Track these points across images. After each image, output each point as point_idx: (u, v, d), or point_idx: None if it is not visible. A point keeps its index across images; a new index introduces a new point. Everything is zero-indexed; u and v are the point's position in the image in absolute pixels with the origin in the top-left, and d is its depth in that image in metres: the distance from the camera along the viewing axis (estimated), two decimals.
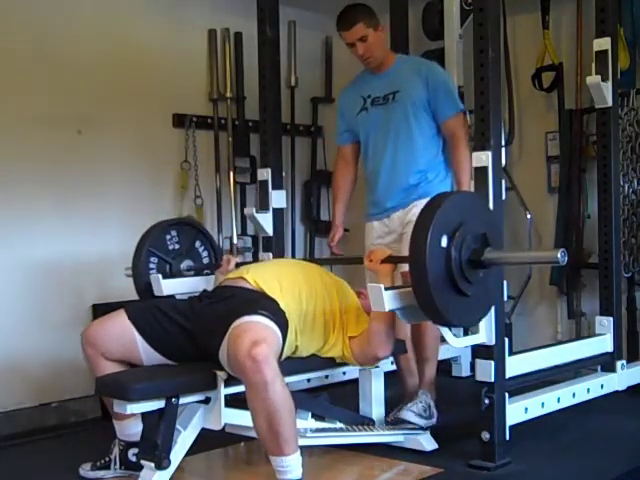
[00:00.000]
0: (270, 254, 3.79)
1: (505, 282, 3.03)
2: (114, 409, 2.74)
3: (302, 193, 5.13)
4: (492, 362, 2.95)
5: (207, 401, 2.79)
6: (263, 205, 3.79)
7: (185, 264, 3.57)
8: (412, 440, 3.22)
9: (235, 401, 2.82)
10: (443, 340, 3.01)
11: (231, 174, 4.65)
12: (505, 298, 3.07)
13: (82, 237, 4.04)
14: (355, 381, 3.34)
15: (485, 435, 2.96)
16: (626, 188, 4.13)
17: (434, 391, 3.44)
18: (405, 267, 3.14)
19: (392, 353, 3.15)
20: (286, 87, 4.87)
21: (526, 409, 3.13)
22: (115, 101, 4.19)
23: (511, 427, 3.02)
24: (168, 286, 3.40)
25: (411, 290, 2.71)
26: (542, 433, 3.35)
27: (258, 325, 2.70)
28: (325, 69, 5.23)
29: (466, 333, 3.84)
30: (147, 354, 2.91)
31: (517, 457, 3.02)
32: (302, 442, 2.70)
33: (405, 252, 2.97)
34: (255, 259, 4.20)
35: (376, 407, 3.25)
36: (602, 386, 3.54)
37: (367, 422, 3.20)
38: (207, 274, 3.58)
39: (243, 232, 4.69)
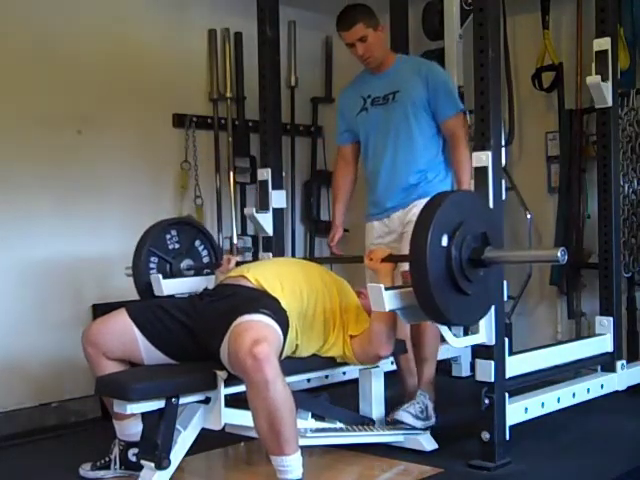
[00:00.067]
0: (270, 254, 3.79)
1: (505, 282, 3.04)
2: (114, 409, 2.74)
3: (302, 193, 5.13)
4: (492, 362, 2.95)
5: (207, 401, 2.79)
6: (263, 205, 3.79)
7: (185, 263, 3.57)
8: (412, 440, 3.22)
9: (235, 401, 2.82)
10: (443, 340, 3.01)
11: (231, 174, 4.66)
12: (505, 298, 3.07)
13: (82, 237, 4.04)
14: (355, 381, 3.34)
15: (485, 435, 2.96)
16: (626, 188, 4.13)
17: (433, 392, 3.43)
18: (405, 267, 3.15)
19: (392, 353, 3.15)
20: (286, 87, 4.87)
21: (526, 409, 3.13)
22: (115, 101, 4.19)
23: (511, 427, 3.02)
24: (168, 286, 3.40)
25: (411, 290, 2.71)
26: (542, 433, 3.35)
27: (259, 324, 2.70)
28: (325, 69, 5.23)
29: (466, 333, 3.84)
30: (148, 352, 2.91)
31: (517, 457, 3.03)
32: (302, 442, 2.70)
33: (405, 251, 2.97)
34: (255, 259, 4.20)
35: (376, 407, 3.25)
36: (602, 386, 3.54)
37: (367, 422, 3.21)
38: (207, 273, 3.58)
39: (243, 232, 4.69)
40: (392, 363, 3.54)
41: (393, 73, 3.54)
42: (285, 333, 2.81)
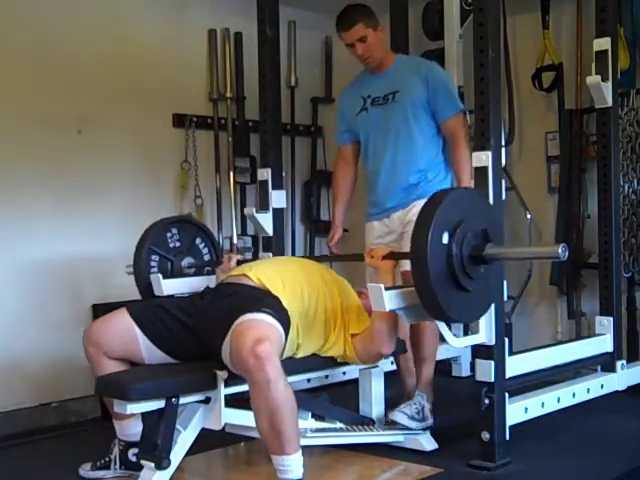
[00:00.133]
0: (270, 254, 3.79)
1: (505, 282, 3.04)
2: (114, 409, 2.74)
3: (302, 193, 5.13)
4: (492, 362, 2.95)
5: (207, 401, 2.79)
6: (263, 205, 3.79)
7: (186, 261, 3.58)
8: (412, 440, 3.22)
9: (235, 401, 2.82)
10: (443, 340, 3.01)
11: (231, 174, 4.66)
12: (505, 298, 3.07)
13: (82, 237, 4.04)
14: (355, 381, 3.34)
15: (485, 435, 2.96)
16: (626, 188, 4.13)
17: (432, 392, 3.42)
18: (405, 267, 3.16)
19: (393, 353, 3.15)
20: (286, 87, 4.87)
21: (526, 409, 3.13)
22: (115, 101, 4.19)
23: (511, 427, 3.02)
24: (168, 286, 3.40)
25: (411, 290, 2.71)
26: (542, 433, 3.35)
27: (261, 323, 2.70)
28: (325, 69, 5.23)
29: (466, 333, 3.85)
30: (149, 352, 2.91)
31: (517, 457, 3.03)
32: (302, 442, 2.69)
33: (406, 251, 2.98)
34: (255, 259, 4.19)
35: (376, 407, 3.25)
36: (602, 386, 3.54)
37: (367, 422, 3.21)
38: (208, 273, 3.59)
39: (243, 232, 4.69)
40: (392, 363, 3.54)
41: (393, 73, 3.54)
42: (287, 332, 2.81)
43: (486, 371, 2.96)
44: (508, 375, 3.03)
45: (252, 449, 3.32)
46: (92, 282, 4.08)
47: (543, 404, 3.21)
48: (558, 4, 4.53)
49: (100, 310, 3.83)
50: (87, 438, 3.63)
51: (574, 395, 3.37)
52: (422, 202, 2.86)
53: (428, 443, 3.20)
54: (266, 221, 3.79)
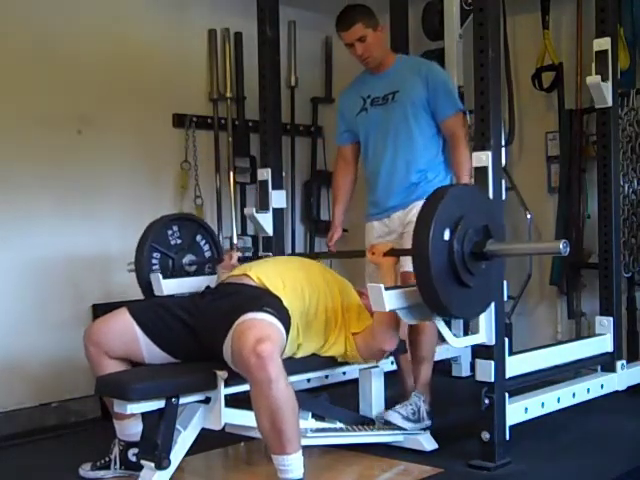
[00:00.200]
0: (270, 254, 3.79)
1: (505, 282, 3.04)
2: (114, 409, 2.74)
3: (302, 193, 5.13)
4: (492, 362, 2.95)
5: (207, 401, 2.79)
6: (263, 205, 3.79)
7: (187, 258, 3.59)
8: (412, 440, 3.22)
9: (235, 401, 2.82)
10: (443, 340, 3.01)
11: (231, 174, 4.66)
12: (505, 298, 3.07)
13: (82, 237, 4.04)
14: (355, 381, 3.34)
15: (485, 435, 2.96)
16: (626, 188, 4.13)
17: (429, 394, 3.41)
18: (405, 267, 3.15)
19: (393, 353, 3.15)
20: (286, 87, 4.87)
21: (526, 409, 3.13)
22: (115, 101, 4.19)
23: (511, 427, 3.02)
24: (168, 286, 3.40)
25: (411, 290, 2.71)
26: (542, 433, 3.35)
27: (263, 322, 2.70)
28: (325, 69, 5.23)
29: (466, 333, 3.85)
30: (149, 351, 2.91)
31: (517, 457, 3.03)
32: (302, 442, 2.69)
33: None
34: (255, 259, 4.19)
35: (376, 407, 3.25)
36: (602, 386, 3.54)
37: (367, 422, 3.21)
38: (209, 273, 3.59)
39: (243, 232, 4.69)
40: (392, 363, 3.54)
41: (393, 73, 3.54)
42: (287, 332, 2.81)
43: (486, 371, 2.96)
44: (508, 375, 3.03)
45: (252, 449, 3.32)
46: (92, 282, 4.08)
47: (543, 404, 3.21)
48: (558, 4, 4.53)
49: (100, 310, 3.83)
50: (87, 438, 3.63)
51: (574, 395, 3.37)
52: (422, 203, 2.87)
53: (428, 443, 3.20)
54: (266, 221, 3.79)
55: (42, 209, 3.93)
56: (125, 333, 2.90)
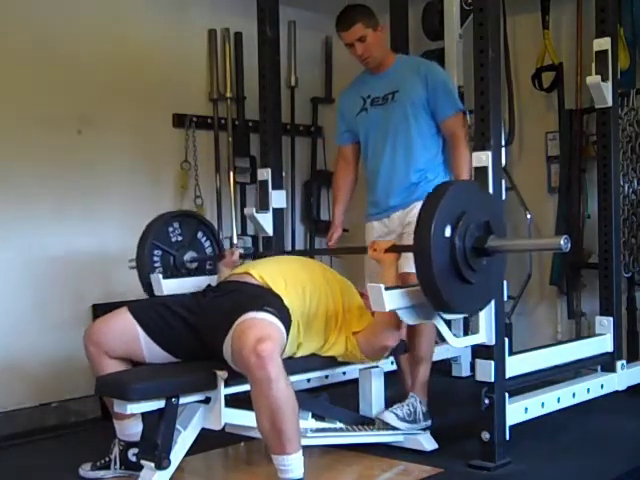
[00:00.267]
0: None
1: (505, 282, 3.04)
2: (114, 409, 2.74)
3: (302, 193, 5.13)
4: (492, 362, 2.95)
5: (207, 401, 2.79)
6: (263, 205, 3.79)
7: (189, 255, 3.59)
8: (412, 440, 3.22)
9: (235, 401, 2.82)
10: (443, 340, 3.01)
11: (231, 174, 4.66)
12: (505, 298, 3.07)
13: (82, 237, 4.04)
14: (355, 381, 3.34)
15: (485, 435, 2.96)
16: (626, 188, 4.13)
17: (426, 395, 3.39)
18: (405, 268, 3.15)
19: (393, 353, 3.15)
20: (286, 87, 4.87)
21: (526, 409, 3.13)
22: (115, 101, 4.19)
23: (511, 427, 3.02)
24: (169, 286, 3.40)
25: (411, 290, 2.71)
26: (542, 433, 3.35)
27: (263, 322, 2.70)
28: (325, 69, 5.23)
29: (466, 333, 3.85)
30: (150, 351, 2.91)
31: (517, 457, 3.03)
32: (302, 442, 2.69)
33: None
34: (255, 259, 4.19)
35: (376, 407, 3.25)
36: (602, 386, 3.54)
37: (367, 422, 3.21)
38: (210, 270, 3.60)
39: (243, 232, 4.69)
40: (392, 363, 3.54)
41: (393, 73, 3.54)
42: (288, 331, 2.81)
43: (486, 371, 2.96)
44: (508, 375, 3.03)
45: (252, 449, 3.33)
46: (92, 282, 4.08)
47: (543, 404, 3.21)
48: (558, 4, 4.53)
49: (100, 310, 3.82)
50: (87, 438, 3.63)
51: (574, 395, 3.37)
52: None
53: (428, 443, 3.20)
54: (266, 221, 3.79)
55: (42, 209, 3.93)
56: (125, 333, 2.90)
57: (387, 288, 2.69)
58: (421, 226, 2.59)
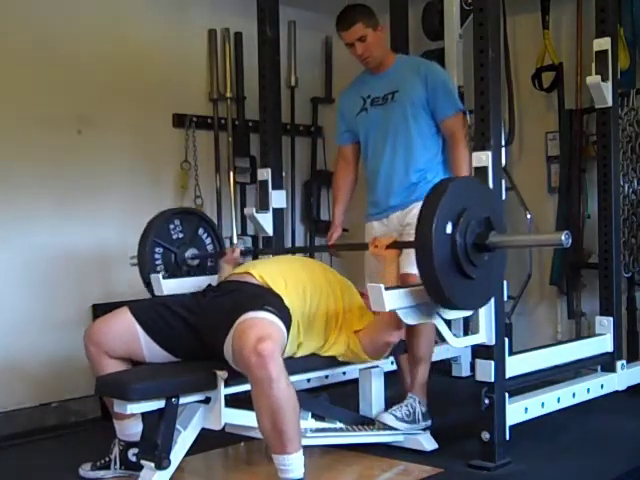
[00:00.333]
0: (270, 254, 3.78)
1: (505, 282, 3.04)
2: (114, 409, 2.74)
3: (302, 193, 5.13)
4: (492, 362, 2.95)
5: (207, 401, 2.79)
6: (263, 205, 3.79)
7: (190, 252, 3.59)
8: (412, 440, 3.22)
9: (235, 401, 2.82)
10: (443, 340, 3.01)
11: (231, 174, 4.66)
12: (505, 298, 3.07)
13: (82, 237, 4.04)
14: (355, 381, 3.34)
15: (485, 435, 2.96)
16: (626, 188, 4.13)
17: (425, 395, 3.39)
18: (405, 269, 3.15)
19: (392, 352, 3.15)
20: (286, 87, 4.87)
21: (526, 409, 3.13)
22: (115, 101, 4.19)
23: (511, 427, 3.02)
24: (169, 286, 3.40)
25: (411, 290, 2.71)
26: (542, 433, 3.35)
27: (264, 321, 2.70)
28: (325, 69, 5.23)
29: (466, 333, 3.84)
30: (150, 350, 2.91)
31: (517, 457, 3.03)
32: (302, 442, 2.69)
33: (405, 252, 2.98)
34: (255, 259, 4.20)
35: (376, 407, 3.25)
36: (602, 386, 3.54)
37: (367, 422, 3.20)
38: (211, 268, 3.60)
39: (243, 232, 4.69)
40: (392, 363, 3.54)
41: (393, 73, 3.54)
42: (288, 331, 2.81)
43: (486, 371, 2.96)
44: (508, 375, 3.03)
45: (252, 449, 3.32)
46: (92, 282, 4.08)
47: (543, 404, 3.21)
48: (558, 4, 4.53)
49: (100, 310, 3.82)
50: (87, 438, 3.63)
51: (574, 395, 3.37)
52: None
53: (428, 443, 3.20)
54: (266, 221, 3.79)
55: (42, 209, 3.93)
56: (126, 332, 2.90)
57: (387, 288, 2.69)
58: (422, 223, 2.59)
